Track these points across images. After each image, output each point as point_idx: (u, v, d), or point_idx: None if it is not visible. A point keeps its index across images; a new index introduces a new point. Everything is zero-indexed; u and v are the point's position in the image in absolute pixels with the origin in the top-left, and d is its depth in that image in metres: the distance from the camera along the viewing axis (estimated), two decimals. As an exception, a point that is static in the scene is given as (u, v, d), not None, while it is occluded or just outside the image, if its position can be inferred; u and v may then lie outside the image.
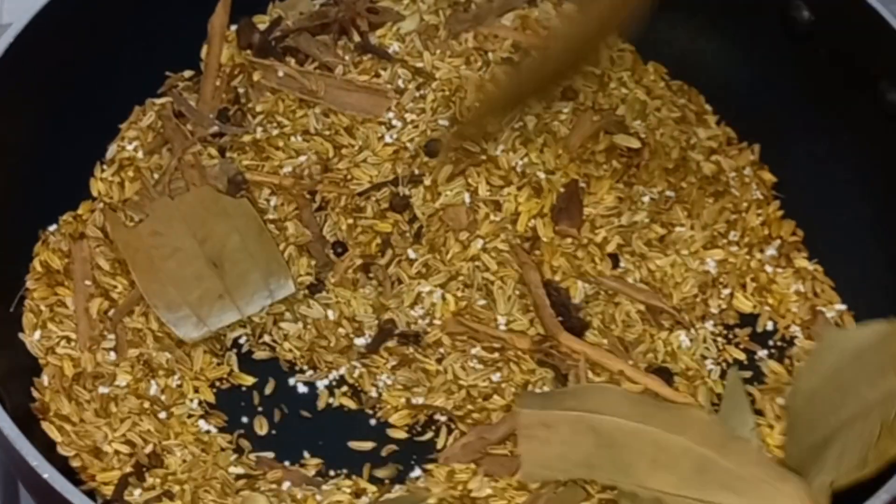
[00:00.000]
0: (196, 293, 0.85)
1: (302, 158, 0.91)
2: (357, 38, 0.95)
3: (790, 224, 0.91)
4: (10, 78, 0.85)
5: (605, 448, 0.77)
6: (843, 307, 0.88)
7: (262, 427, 0.83)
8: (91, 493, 0.78)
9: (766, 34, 0.94)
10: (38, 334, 0.85)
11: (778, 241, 0.90)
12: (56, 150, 0.90)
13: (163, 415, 0.82)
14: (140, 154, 0.92)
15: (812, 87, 0.93)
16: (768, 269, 0.89)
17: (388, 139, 0.92)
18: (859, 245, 0.90)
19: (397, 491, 0.79)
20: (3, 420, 0.74)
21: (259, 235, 0.87)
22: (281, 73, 0.93)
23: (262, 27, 0.96)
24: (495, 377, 0.83)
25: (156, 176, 0.90)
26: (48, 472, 0.72)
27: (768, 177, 0.93)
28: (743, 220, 0.91)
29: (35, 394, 0.83)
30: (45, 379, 0.83)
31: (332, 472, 0.81)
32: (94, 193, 0.91)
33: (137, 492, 0.79)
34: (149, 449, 0.81)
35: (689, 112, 0.95)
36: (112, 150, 0.92)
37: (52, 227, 0.89)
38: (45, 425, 0.81)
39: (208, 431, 0.82)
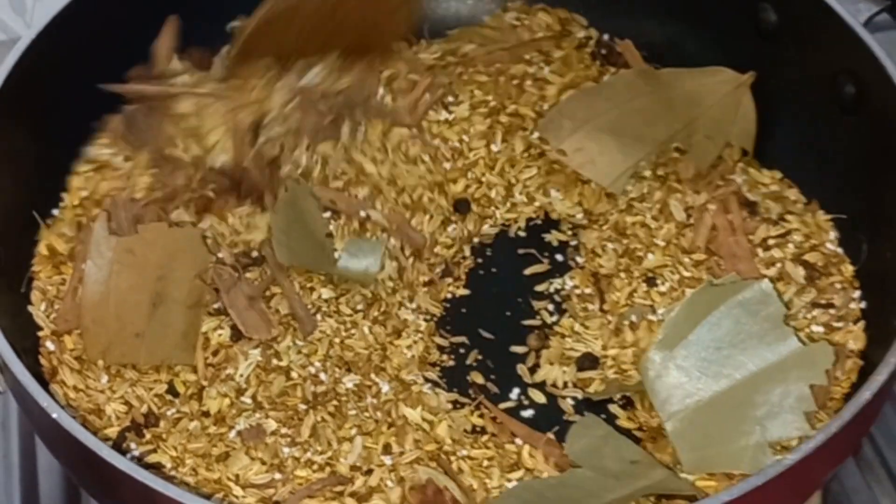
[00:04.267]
0: (124, 322, 0.86)
1: None
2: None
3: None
4: (17, 87, 0.90)
5: None
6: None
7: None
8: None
9: (737, 33, 0.99)
10: (43, 306, 0.90)
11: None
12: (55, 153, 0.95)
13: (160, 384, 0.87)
14: (117, 159, 0.96)
15: (778, 80, 0.97)
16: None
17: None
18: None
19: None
20: (16, 366, 0.77)
21: (195, 303, 0.88)
22: None
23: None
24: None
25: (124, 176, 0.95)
26: (56, 413, 0.75)
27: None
28: None
29: (42, 360, 0.87)
30: (50, 345, 0.88)
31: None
32: (70, 188, 0.95)
33: (133, 445, 0.84)
34: (144, 409, 0.86)
35: None
36: (91, 151, 0.96)
37: (57, 215, 0.94)
38: (52, 388, 0.86)
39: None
